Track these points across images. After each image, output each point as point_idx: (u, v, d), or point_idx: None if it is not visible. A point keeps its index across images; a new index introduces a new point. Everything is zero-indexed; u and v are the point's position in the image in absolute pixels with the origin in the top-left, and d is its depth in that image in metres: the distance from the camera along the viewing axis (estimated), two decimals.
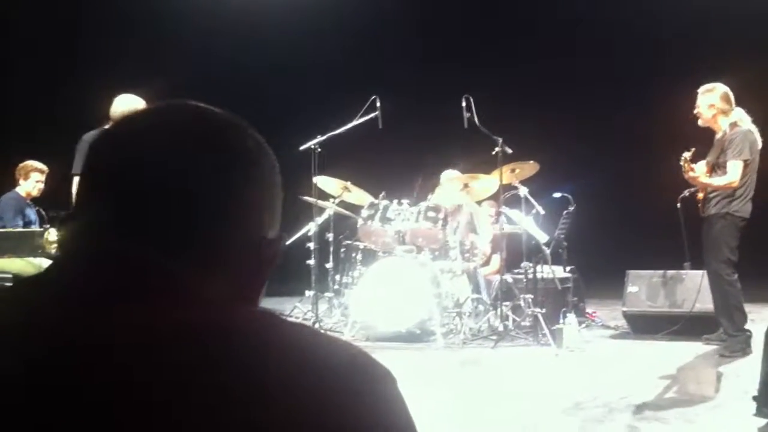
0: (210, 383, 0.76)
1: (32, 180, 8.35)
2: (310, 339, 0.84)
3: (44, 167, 8.42)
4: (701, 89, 6.77)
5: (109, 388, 0.76)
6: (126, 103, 6.42)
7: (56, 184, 8.16)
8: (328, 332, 7.42)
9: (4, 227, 7.94)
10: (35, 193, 8.39)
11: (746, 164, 6.54)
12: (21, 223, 8.16)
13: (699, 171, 6.68)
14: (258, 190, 0.94)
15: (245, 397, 0.76)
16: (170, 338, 0.79)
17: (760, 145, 6.67)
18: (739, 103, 6.77)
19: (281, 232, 0.98)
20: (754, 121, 6.75)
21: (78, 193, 0.94)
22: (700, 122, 6.78)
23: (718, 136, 6.71)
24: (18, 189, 8.36)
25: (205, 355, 0.78)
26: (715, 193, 6.67)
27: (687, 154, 6.53)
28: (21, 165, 8.44)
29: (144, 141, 0.91)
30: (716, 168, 6.69)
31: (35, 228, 8.09)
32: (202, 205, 0.89)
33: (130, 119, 0.97)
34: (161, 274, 0.86)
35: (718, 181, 6.63)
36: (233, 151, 0.93)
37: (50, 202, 8.54)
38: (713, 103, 6.67)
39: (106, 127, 0.95)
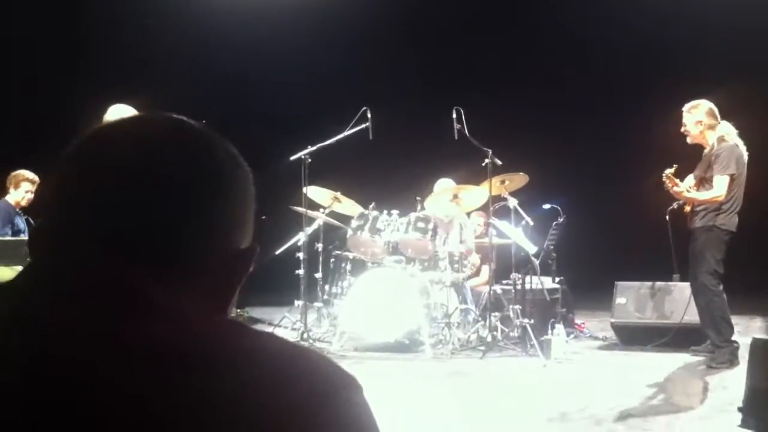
0: (178, 392, 0.77)
1: (22, 190, 8.32)
2: (279, 348, 0.85)
3: (35, 177, 8.38)
4: (686, 107, 6.82)
5: (70, 402, 0.76)
6: (118, 113, 6.39)
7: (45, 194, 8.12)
8: (315, 343, 7.45)
9: None
10: (24, 203, 8.36)
11: (732, 179, 6.60)
12: (9, 232, 8.13)
13: (686, 185, 6.74)
14: (230, 202, 0.95)
15: (215, 405, 0.77)
16: (137, 350, 0.79)
17: (746, 158, 6.72)
18: (729, 118, 6.83)
19: (254, 243, 0.98)
20: (742, 135, 6.80)
21: (48, 201, 0.93)
22: (688, 140, 6.83)
23: (706, 150, 6.77)
24: (8, 197, 8.33)
25: (174, 364, 0.79)
26: (701, 207, 6.72)
27: (669, 171, 6.62)
28: (12, 174, 8.39)
29: (117, 151, 0.92)
30: (704, 182, 6.74)
31: (24, 237, 8.06)
32: (174, 215, 0.89)
33: (105, 129, 0.97)
34: (131, 283, 0.86)
35: (703, 195, 6.68)
36: (207, 162, 0.94)
37: (39, 212, 8.51)
38: (700, 119, 6.73)
39: (81, 136, 0.95)
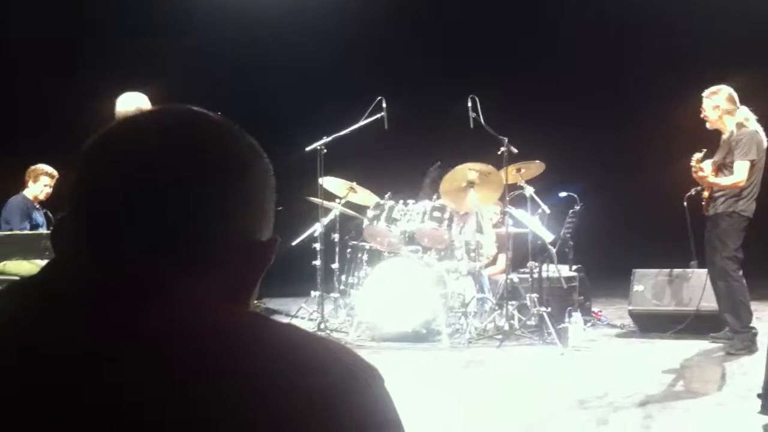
0: (200, 385, 0.78)
1: (41, 184, 8.35)
2: (298, 339, 0.85)
3: (54, 172, 8.41)
4: (705, 93, 6.79)
5: (97, 391, 0.77)
6: (130, 102, 6.31)
7: (64, 187, 8.17)
8: (332, 333, 7.47)
9: (11, 230, 7.98)
10: (42, 197, 8.40)
11: (753, 164, 6.58)
12: (28, 226, 8.18)
13: (706, 171, 6.71)
14: (251, 194, 0.95)
15: (236, 398, 0.77)
16: (160, 340, 0.80)
17: (766, 144, 6.69)
18: (745, 104, 6.79)
19: (275, 234, 0.99)
20: (760, 121, 6.76)
21: (71, 195, 0.94)
22: (708, 125, 6.81)
23: (725, 136, 6.73)
24: (25, 192, 8.37)
25: (195, 357, 0.79)
26: (720, 192, 6.69)
27: (698, 155, 6.59)
28: (31, 168, 8.42)
29: (137, 143, 0.92)
30: (722, 168, 6.71)
31: (43, 231, 8.12)
32: (195, 207, 0.90)
33: (125, 122, 0.97)
34: (153, 276, 0.86)
35: (725, 181, 6.66)
36: (226, 154, 0.94)
37: (58, 204, 8.56)
38: (718, 104, 6.70)
39: (101, 129, 0.96)
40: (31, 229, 8.13)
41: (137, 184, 0.89)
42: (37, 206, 8.44)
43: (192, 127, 0.95)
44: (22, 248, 7.49)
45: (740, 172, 6.56)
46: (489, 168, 7.85)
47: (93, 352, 0.80)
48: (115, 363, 0.79)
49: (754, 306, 6.93)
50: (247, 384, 0.78)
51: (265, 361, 0.81)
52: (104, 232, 0.89)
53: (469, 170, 7.88)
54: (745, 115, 6.71)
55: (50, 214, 8.54)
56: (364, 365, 0.86)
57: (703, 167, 6.63)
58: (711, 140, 6.87)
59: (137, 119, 0.98)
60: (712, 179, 6.68)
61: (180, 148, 0.92)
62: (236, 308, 0.94)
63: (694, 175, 6.66)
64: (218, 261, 0.92)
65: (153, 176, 0.89)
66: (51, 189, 8.41)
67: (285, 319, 7.11)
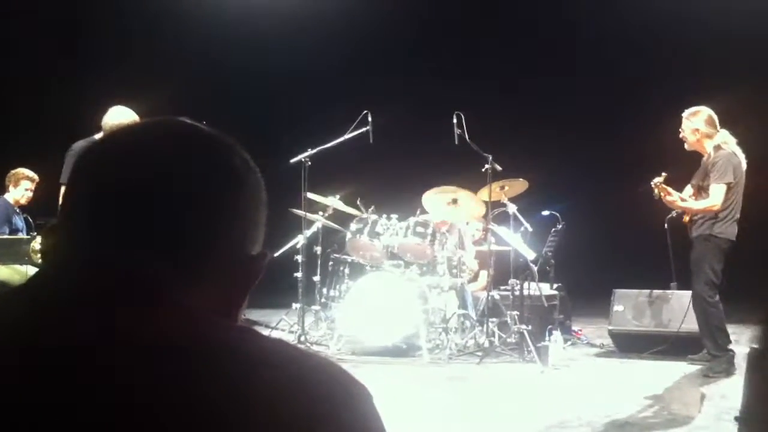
0: (192, 395, 0.77)
1: (21, 188, 8.30)
2: (290, 354, 0.85)
3: (35, 176, 8.37)
4: (686, 113, 6.79)
5: (90, 395, 0.77)
6: (118, 116, 6.46)
7: (44, 192, 8.12)
8: (312, 346, 7.44)
9: None
10: (23, 201, 8.35)
11: (729, 187, 6.57)
12: (7, 230, 8.12)
13: (685, 194, 6.74)
14: (243, 207, 0.96)
15: (228, 410, 0.77)
16: (153, 347, 0.80)
17: (744, 167, 6.70)
18: (731, 123, 6.82)
19: (265, 249, 0.99)
20: (741, 143, 6.78)
21: (64, 203, 0.95)
22: (686, 146, 6.82)
23: (704, 159, 6.75)
24: (6, 196, 8.31)
25: (188, 366, 0.79)
26: (699, 215, 6.70)
27: (658, 179, 6.60)
28: (12, 172, 8.37)
29: (132, 155, 0.93)
30: (701, 191, 6.72)
31: (22, 236, 8.06)
32: (189, 220, 0.90)
33: (120, 133, 0.98)
34: (144, 287, 0.86)
35: (698, 204, 6.67)
36: (221, 167, 0.94)
37: (38, 209, 8.50)
38: (697, 127, 6.70)
39: (96, 139, 0.96)
40: (10, 234, 8.07)
41: (133, 197, 0.90)
42: (18, 210, 8.38)
43: (188, 142, 0.95)
44: (1, 252, 7.44)
45: (715, 196, 6.56)
46: (466, 193, 7.90)
47: (88, 355, 0.79)
48: (108, 367, 0.79)
49: (734, 329, 6.96)
50: (239, 393, 0.78)
51: (259, 373, 0.81)
52: (98, 242, 0.89)
53: (448, 192, 7.94)
54: (724, 138, 6.71)
55: (30, 219, 8.49)
56: (356, 383, 0.86)
57: (670, 191, 6.63)
58: (693, 162, 6.91)
59: (133, 131, 0.99)
60: (681, 203, 6.70)
61: (177, 162, 0.92)
62: (226, 321, 0.94)
63: (661, 199, 6.66)
64: (209, 271, 0.92)
65: (147, 185, 0.90)
66: (32, 193, 8.36)
67: (265, 331, 7.08)
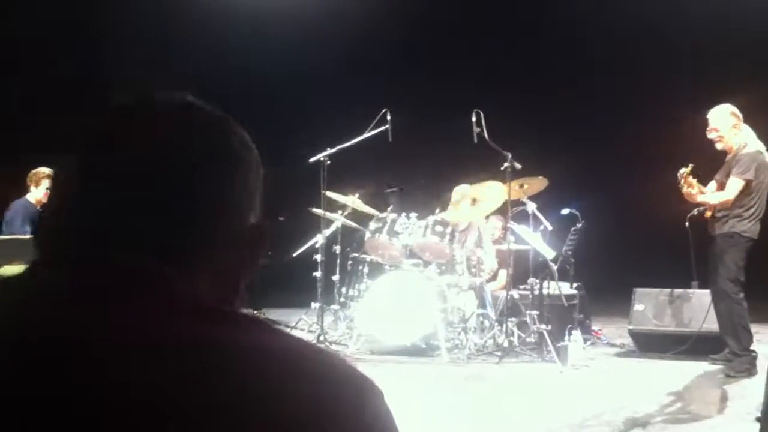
0: (203, 391, 0.76)
1: (43, 187, 8.35)
2: (302, 350, 0.84)
3: None
4: (714, 113, 6.68)
5: (87, 390, 0.76)
6: None
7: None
8: (331, 345, 7.44)
9: (12, 234, 7.97)
10: (45, 200, 8.39)
11: (748, 184, 6.49)
12: (30, 230, 8.18)
13: (708, 190, 6.68)
14: (242, 185, 0.95)
15: (240, 406, 0.76)
16: (159, 344, 0.79)
17: None
18: (747, 121, 6.76)
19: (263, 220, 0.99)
20: (760, 137, 6.70)
21: (57, 191, 0.94)
22: (718, 146, 6.70)
23: (729, 156, 6.68)
24: (28, 196, 8.37)
25: (188, 363, 0.78)
26: (722, 213, 6.64)
27: (684, 170, 6.51)
28: (33, 172, 8.41)
29: (126, 134, 0.92)
30: (725, 187, 6.65)
31: None
32: (187, 199, 0.89)
33: (115, 111, 0.96)
34: (145, 272, 0.85)
35: (713, 198, 6.60)
36: (219, 145, 0.94)
37: None
38: (734, 122, 6.62)
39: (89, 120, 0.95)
40: (32, 233, 8.13)
41: (130, 179, 0.88)
42: (40, 210, 8.43)
43: (186, 120, 0.94)
44: (23, 252, 7.49)
45: (731, 189, 6.49)
46: (489, 183, 7.91)
47: (82, 349, 0.78)
48: (103, 360, 0.77)
49: (756, 328, 6.91)
50: (245, 388, 0.77)
51: (271, 369, 0.79)
52: (96, 231, 0.88)
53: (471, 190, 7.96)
54: (749, 133, 6.67)
55: None
56: (366, 379, 0.85)
57: (692, 183, 6.56)
58: (716, 158, 6.83)
59: (128, 108, 0.96)
60: (700, 197, 6.63)
61: (174, 139, 0.91)
62: (231, 299, 0.94)
63: (681, 190, 6.58)
64: (212, 250, 0.91)
65: (147, 170, 0.89)
66: None
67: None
